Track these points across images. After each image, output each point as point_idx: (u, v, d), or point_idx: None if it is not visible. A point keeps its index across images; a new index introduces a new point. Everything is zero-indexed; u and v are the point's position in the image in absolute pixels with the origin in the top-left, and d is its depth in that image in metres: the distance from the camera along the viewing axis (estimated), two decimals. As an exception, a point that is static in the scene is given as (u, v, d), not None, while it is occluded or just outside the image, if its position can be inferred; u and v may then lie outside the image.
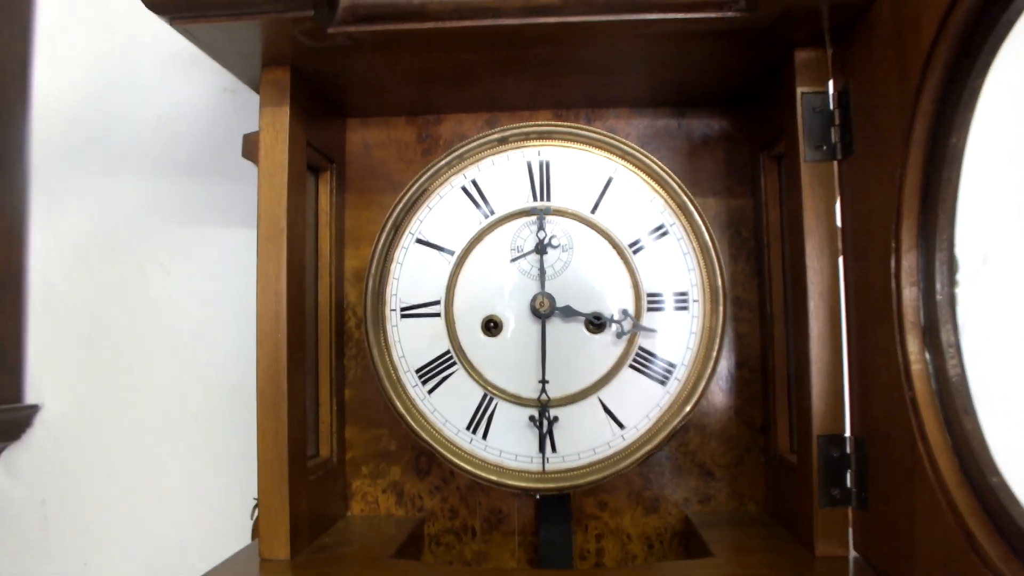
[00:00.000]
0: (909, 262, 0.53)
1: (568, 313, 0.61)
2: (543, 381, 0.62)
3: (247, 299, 0.84)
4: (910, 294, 0.53)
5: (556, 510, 0.69)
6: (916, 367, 0.52)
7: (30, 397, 0.91)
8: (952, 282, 0.52)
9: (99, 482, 0.91)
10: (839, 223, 0.63)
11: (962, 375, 0.50)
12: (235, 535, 0.84)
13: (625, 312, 0.62)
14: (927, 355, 0.52)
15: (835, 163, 0.63)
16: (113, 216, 0.91)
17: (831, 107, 0.63)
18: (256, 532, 0.79)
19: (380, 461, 0.79)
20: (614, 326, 0.62)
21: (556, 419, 0.62)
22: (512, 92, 0.76)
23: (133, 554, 0.90)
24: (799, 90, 0.64)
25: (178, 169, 0.90)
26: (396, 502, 0.79)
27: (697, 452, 0.76)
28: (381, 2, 0.59)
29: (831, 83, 0.64)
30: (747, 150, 0.78)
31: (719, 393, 0.77)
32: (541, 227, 0.62)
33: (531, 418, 0.62)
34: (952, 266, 0.52)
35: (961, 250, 0.51)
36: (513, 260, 0.63)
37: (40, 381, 0.91)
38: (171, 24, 0.59)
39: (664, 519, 0.76)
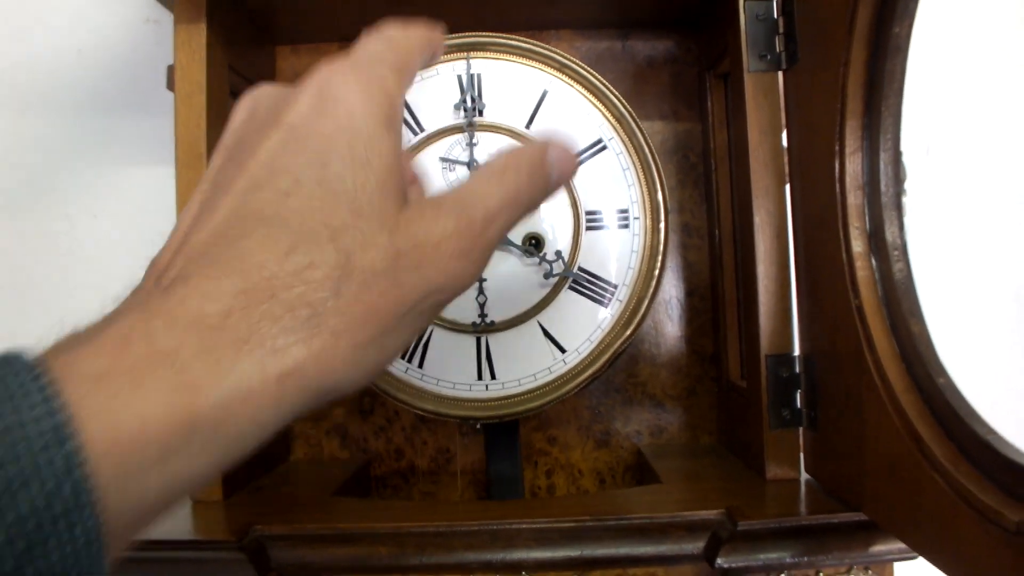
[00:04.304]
0: (853, 166, 0.51)
1: (501, 242, 0.58)
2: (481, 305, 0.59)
3: (179, 241, 0.80)
4: (855, 199, 0.51)
5: (503, 443, 0.67)
6: (862, 273, 0.50)
7: (-45, 352, 0.87)
8: (898, 182, 0.49)
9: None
10: (785, 139, 0.61)
11: (908, 277, 0.48)
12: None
13: (559, 254, 0.59)
14: (872, 260, 0.50)
15: (780, 75, 0.60)
16: (31, 157, 0.86)
17: (775, 15, 0.60)
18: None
19: (322, 404, 0.76)
20: (544, 265, 0.59)
21: (495, 345, 0.59)
22: (451, 15, 0.71)
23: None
24: (742, -1, 0.61)
25: (100, 104, 0.85)
26: (340, 444, 0.76)
27: (647, 383, 0.74)
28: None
29: (775, -7, 0.61)
30: (693, 72, 0.75)
31: (669, 322, 0.74)
32: (471, 143, 0.59)
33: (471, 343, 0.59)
34: (898, 165, 0.50)
35: (905, 147, 0.49)
36: (445, 173, 0.59)
37: (-35, 336, 0.87)
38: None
39: (615, 453, 0.74)
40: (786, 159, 0.60)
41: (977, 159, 0.69)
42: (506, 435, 0.66)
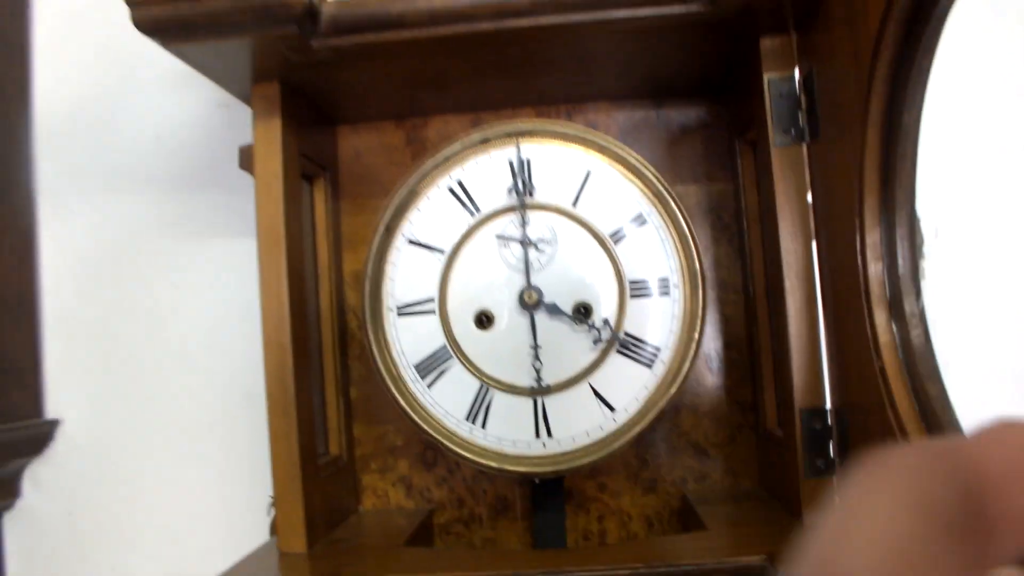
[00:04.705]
0: (873, 238, 0.56)
1: (553, 311, 0.64)
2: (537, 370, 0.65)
3: (252, 307, 0.88)
4: (875, 269, 0.56)
5: (549, 494, 0.72)
6: (883, 338, 0.55)
7: (49, 413, 0.95)
8: (914, 255, 0.54)
9: (123, 491, 0.94)
10: (810, 196, 0.65)
11: (926, 342, 0.53)
12: (255, 535, 0.87)
13: (606, 321, 0.65)
14: (893, 326, 0.54)
15: (804, 146, 0.66)
16: (118, 233, 0.94)
17: (797, 92, 0.66)
18: (275, 528, 0.83)
19: (388, 456, 0.83)
20: (592, 332, 0.64)
21: (550, 406, 0.65)
22: (494, 92, 0.79)
23: (159, 558, 0.94)
24: (766, 76, 0.66)
25: (178, 184, 0.93)
26: (405, 495, 0.82)
27: (690, 432, 0.79)
28: (361, 13, 0.62)
29: (796, 69, 0.66)
30: (724, 136, 0.81)
31: (708, 374, 0.79)
32: (524, 222, 0.65)
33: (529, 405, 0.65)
34: (913, 240, 0.54)
35: (922, 221, 0.54)
36: (500, 250, 0.66)
37: (58, 397, 0.95)
38: (163, 46, 0.62)
39: (662, 498, 0.79)
40: (812, 214, 0.65)
41: (983, 242, 0.75)
42: (551, 486, 0.72)
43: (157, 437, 0.94)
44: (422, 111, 0.83)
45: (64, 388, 0.95)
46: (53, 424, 0.95)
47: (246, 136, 0.79)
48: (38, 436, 0.94)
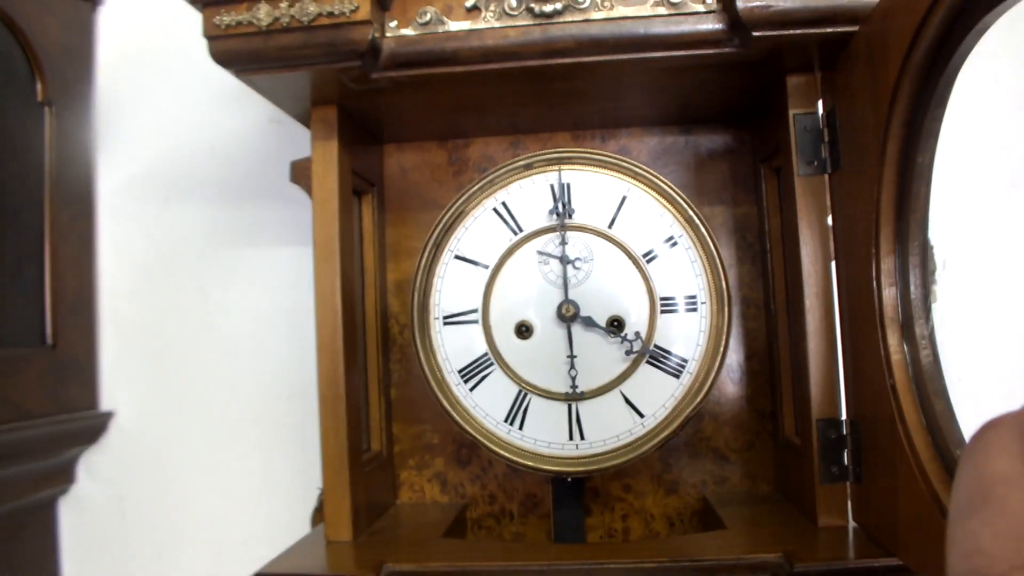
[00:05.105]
0: (888, 265, 0.61)
1: (589, 324, 0.70)
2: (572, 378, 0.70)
3: (297, 311, 0.94)
4: (889, 293, 0.61)
5: (569, 493, 0.77)
6: (895, 357, 0.60)
7: (104, 405, 1.01)
8: (925, 282, 0.59)
9: (170, 480, 1.00)
10: (831, 219, 0.70)
11: (934, 362, 0.58)
12: (294, 526, 0.93)
13: (638, 334, 0.70)
14: (904, 347, 0.60)
15: (826, 176, 0.71)
16: (173, 240, 1.00)
17: (820, 126, 0.71)
18: (316, 519, 0.89)
19: (425, 453, 0.88)
20: (625, 344, 0.70)
21: (583, 411, 0.70)
22: (533, 117, 0.84)
23: (202, 544, 0.99)
24: (791, 112, 0.71)
25: (230, 195, 0.99)
26: (440, 490, 0.88)
27: (712, 438, 0.84)
28: (418, 50, 0.67)
29: (820, 104, 0.71)
30: (749, 162, 0.86)
31: (730, 384, 0.84)
32: (563, 242, 0.71)
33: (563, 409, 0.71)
34: (926, 267, 0.59)
35: (935, 250, 0.59)
36: (540, 266, 0.71)
37: (113, 391, 1.01)
38: (236, 76, 0.68)
39: (683, 499, 0.85)
40: (831, 239, 0.70)
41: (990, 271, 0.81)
42: (572, 485, 0.77)
43: (203, 430, 1.00)
44: (464, 133, 0.89)
45: (118, 383, 1.01)
46: (107, 416, 1.01)
47: (296, 150, 0.85)
48: (93, 427, 1.00)
